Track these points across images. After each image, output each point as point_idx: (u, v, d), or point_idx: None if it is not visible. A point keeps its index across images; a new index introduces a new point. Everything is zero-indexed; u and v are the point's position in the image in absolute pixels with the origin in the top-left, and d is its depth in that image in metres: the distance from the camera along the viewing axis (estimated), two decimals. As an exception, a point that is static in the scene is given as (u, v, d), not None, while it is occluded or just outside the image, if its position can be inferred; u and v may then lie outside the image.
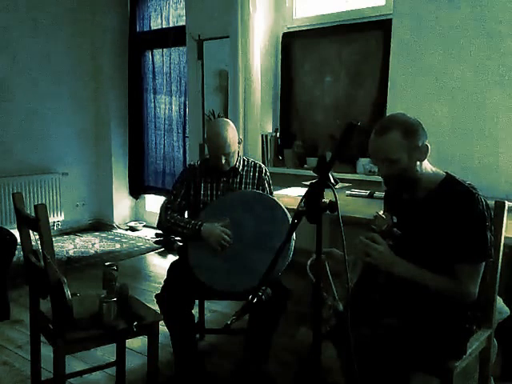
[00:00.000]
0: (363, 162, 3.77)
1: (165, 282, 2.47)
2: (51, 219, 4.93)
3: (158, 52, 5.37)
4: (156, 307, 2.33)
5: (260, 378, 2.40)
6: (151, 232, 5.35)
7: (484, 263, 1.74)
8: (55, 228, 5.22)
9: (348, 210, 2.77)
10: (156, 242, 4.99)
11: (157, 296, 2.42)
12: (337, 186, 1.39)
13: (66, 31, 5.21)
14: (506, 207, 1.93)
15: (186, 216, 2.61)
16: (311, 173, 3.33)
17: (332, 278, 1.74)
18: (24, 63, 4.91)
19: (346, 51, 4.03)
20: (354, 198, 3.21)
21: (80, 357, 2.62)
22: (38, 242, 1.98)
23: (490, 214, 1.75)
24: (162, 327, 2.21)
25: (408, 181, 1.80)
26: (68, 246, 4.90)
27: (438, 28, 3.23)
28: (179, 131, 5.27)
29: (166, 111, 5.37)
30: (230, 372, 2.58)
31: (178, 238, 4.44)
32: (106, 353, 2.71)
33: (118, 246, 4.98)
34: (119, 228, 5.61)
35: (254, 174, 2.62)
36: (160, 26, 5.28)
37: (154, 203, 5.69)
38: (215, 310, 3.36)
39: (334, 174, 1.41)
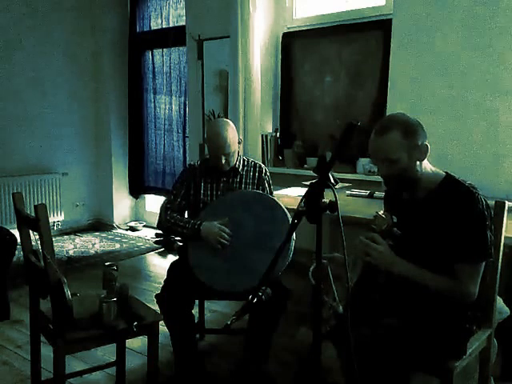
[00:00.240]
0: (363, 162, 3.77)
1: (165, 282, 2.47)
2: (51, 219, 4.93)
3: (157, 52, 5.37)
4: (156, 307, 2.33)
5: (260, 378, 2.40)
6: (151, 232, 5.35)
7: (484, 263, 1.74)
8: (55, 228, 5.22)
9: (348, 210, 2.76)
10: (156, 242, 4.99)
11: (157, 296, 2.42)
12: (337, 186, 1.39)
13: (66, 31, 5.21)
14: (506, 207, 1.93)
15: (185, 216, 2.61)
16: (311, 173, 3.32)
17: (334, 282, 1.74)
18: (24, 63, 4.91)
19: (346, 51, 4.03)
20: (354, 197, 3.21)
21: (80, 357, 2.62)
22: (38, 242, 1.98)
23: (490, 213, 1.75)
24: (162, 327, 2.21)
25: (408, 181, 1.80)
26: (68, 246, 4.90)
27: (437, 28, 3.23)
28: (179, 131, 5.27)
29: (166, 111, 5.37)
30: (229, 372, 2.58)
31: (178, 238, 4.44)
32: (106, 353, 2.71)
33: (117, 246, 4.98)
34: (119, 228, 5.61)
35: (254, 174, 2.62)
36: (160, 26, 5.28)
37: (154, 203, 5.70)
38: (215, 310, 3.36)
39: (334, 173, 1.41)
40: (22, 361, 2.70)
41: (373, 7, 3.87)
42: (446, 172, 1.84)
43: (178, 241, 4.60)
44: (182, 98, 5.18)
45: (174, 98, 5.28)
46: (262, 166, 2.67)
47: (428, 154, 1.78)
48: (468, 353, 1.81)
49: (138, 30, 5.46)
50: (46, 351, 2.25)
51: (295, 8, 4.31)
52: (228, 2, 4.12)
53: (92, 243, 5.05)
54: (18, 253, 3.03)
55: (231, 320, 1.39)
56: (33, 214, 1.96)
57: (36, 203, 1.96)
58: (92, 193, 5.67)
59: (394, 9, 3.43)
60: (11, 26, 4.78)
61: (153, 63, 5.42)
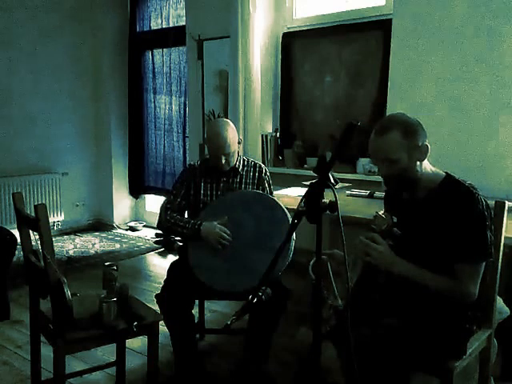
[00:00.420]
0: (363, 162, 3.77)
1: (165, 282, 2.47)
2: (51, 219, 4.93)
3: (157, 52, 5.37)
4: (156, 307, 2.33)
5: (260, 378, 2.40)
6: (151, 232, 5.35)
7: (484, 263, 1.74)
8: (55, 228, 5.22)
9: (348, 210, 2.77)
10: (156, 242, 4.99)
11: (157, 296, 2.42)
12: (337, 186, 1.39)
13: (66, 31, 5.21)
14: (506, 207, 1.93)
15: (185, 216, 2.61)
16: (311, 173, 3.32)
17: (334, 278, 1.74)
18: (24, 63, 4.91)
19: (346, 51, 4.03)
20: (354, 197, 3.21)
21: (80, 357, 2.62)
22: (38, 242, 1.98)
23: (490, 213, 1.75)
24: (162, 327, 2.21)
25: (408, 181, 1.80)
26: (68, 246, 4.90)
27: (437, 28, 3.23)
28: (179, 131, 5.27)
29: (166, 111, 5.37)
30: (229, 372, 2.59)
31: (178, 238, 4.44)
32: (106, 353, 2.71)
33: (117, 246, 4.98)
34: (119, 228, 5.61)
35: (254, 174, 2.62)
36: (160, 26, 5.28)
37: (154, 203, 5.70)
38: (215, 310, 3.36)
39: (334, 173, 1.41)
40: (22, 361, 2.70)
41: (373, 7, 3.87)
42: (445, 172, 1.84)
43: (178, 241, 4.60)
44: (182, 98, 5.18)
45: (174, 98, 5.28)
46: (262, 165, 2.67)
47: (428, 154, 1.78)
48: (468, 353, 1.81)
49: (138, 29, 5.46)
50: (46, 351, 2.25)
51: (295, 8, 4.31)
52: (228, 2, 4.12)
53: (92, 243, 5.05)
54: (18, 253, 3.02)
55: (231, 320, 1.39)
56: (33, 214, 1.96)
57: (36, 203, 1.96)
58: (92, 193, 5.67)
59: (394, 9, 3.43)
60: (11, 26, 4.78)
61: (153, 63, 5.42)
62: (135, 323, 2.00)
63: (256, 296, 1.42)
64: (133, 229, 5.57)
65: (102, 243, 5.06)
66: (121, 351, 2.40)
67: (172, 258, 4.50)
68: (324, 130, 4.16)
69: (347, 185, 3.57)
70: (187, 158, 5.09)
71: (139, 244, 5.04)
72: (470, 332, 1.84)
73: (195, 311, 2.56)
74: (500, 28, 3.01)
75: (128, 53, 5.45)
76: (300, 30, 4.26)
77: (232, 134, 2.49)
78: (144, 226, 5.65)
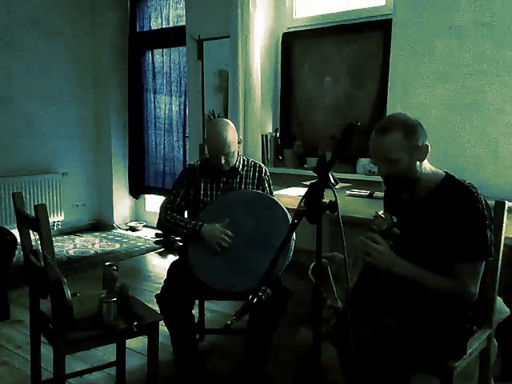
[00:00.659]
0: (363, 162, 3.77)
1: (165, 282, 2.47)
2: (51, 219, 4.93)
3: (157, 52, 5.37)
4: (156, 307, 2.33)
5: (260, 378, 2.40)
6: (151, 232, 5.35)
7: (484, 262, 1.74)
8: (55, 228, 5.23)
9: (348, 209, 2.76)
10: (156, 242, 4.99)
11: (157, 296, 2.42)
12: (337, 186, 1.39)
13: (66, 31, 5.21)
14: (506, 207, 1.93)
15: (185, 216, 2.61)
16: (311, 173, 3.32)
17: (334, 282, 1.74)
18: (24, 63, 4.91)
19: (346, 51, 4.03)
20: (354, 197, 3.21)
21: (80, 357, 2.62)
22: (38, 242, 1.98)
23: (490, 212, 1.76)
24: (162, 327, 2.21)
25: (408, 181, 1.80)
26: (68, 246, 4.90)
27: (438, 28, 3.23)
28: (179, 131, 5.27)
29: (166, 111, 5.37)
30: (229, 372, 2.59)
31: (178, 238, 4.44)
32: (106, 353, 2.71)
33: (117, 246, 4.98)
34: (119, 228, 5.61)
35: (253, 174, 2.62)
36: (160, 26, 5.28)
37: (154, 203, 5.70)
38: (215, 310, 3.36)
39: (334, 173, 1.41)
40: (22, 361, 2.70)
41: (373, 7, 3.87)
42: (445, 172, 1.84)
43: (178, 241, 4.60)
44: (182, 98, 5.18)
45: (173, 98, 5.28)
46: (262, 165, 2.67)
47: (428, 154, 1.78)
48: (468, 353, 1.81)
49: (137, 29, 5.46)
50: (46, 351, 2.25)
51: (295, 8, 4.31)
52: (228, 2, 4.12)
53: (92, 243, 5.05)
54: (18, 253, 3.03)
55: (231, 320, 1.39)
56: (33, 214, 1.96)
57: (36, 203, 1.96)
58: (92, 193, 5.67)
59: (394, 9, 3.43)
60: (11, 25, 4.78)
61: (153, 63, 5.42)
62: (135, 323, 2.00)
63: (256, 296, 1.42)
64: (133, 229, 5.57)
65: (101, 243, 5.06)
66: (121, 351, 2.40)
67: (172, 258, 4.51)
68: (324, 130, 4.16)
69: (347, 185, 3.57)
70: (187, 158, 5.08)
71: (139, 244, 5.04)
72: (470, 332, 1.84)
73: (195, 311, 2.56)
74: (500, 28, 3.01)
75: (128, 53, 5.45)
76: (300, 30, 4.26)
77: (232, 134, 2.49)
78: (144, 226, 5.65)
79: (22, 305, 3.19)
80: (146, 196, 5.81)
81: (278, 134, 4.35)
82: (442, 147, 3.16)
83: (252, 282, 1.61)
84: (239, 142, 2.57)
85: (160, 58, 5.35)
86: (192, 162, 2.70)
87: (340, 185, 3.41)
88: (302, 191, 3.25)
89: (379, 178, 1.89)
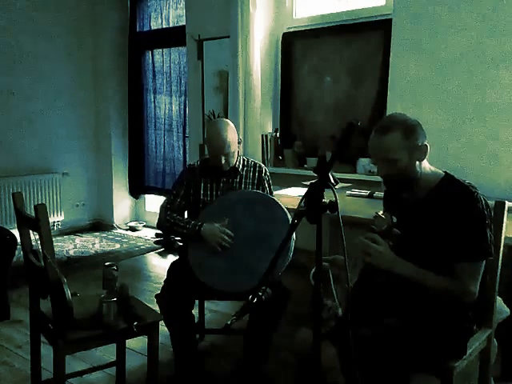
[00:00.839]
0: (363, 162, 3.77)
1: (165, 282, 2.47)
2: (51, 219, 4.93)
3: (157, 52, 5.37)
4: (156, 307, 2.33)
5: (260, 378, 2.40)
6: (151, 232, 5.35)
7: (484, 262, 1.74)
8: (55, 228, 5.22)
9: (348, 209, 2.76)
10: (156, 242, 4.99)
11: (157, 296, 2.42)
12: (337, 186, 1.40)
13: (66, 31, 5.21)
14: (506, 207, 1.93)
15: (185, 216, 2.61)
16: (311, 173, 3.33)
17: (334, 285, 1.74)
18: (24, 63, 4.91)
19: (345, 51, 4.03)
20: (354, 197, 3.21)
21: (80, 357, 2.62)
22: (38, 242, 1.98)
23: (490, 212, 1.76)
24: (162, 327, 2.21)
25: (408, 180, 1.80)
26: (68, 246, 4.90)
27: (438, 28, 3.23)
28: (179, 131, 5.27)
29: (166, 111, 5.38)
30: (230, 372, 2.59)
31: (178, 238, 4.44)
32: (106, 353, 2.71)
33: (117, 246, 4.98)
34: (119, 228, 5.61)
35: (253, 174, 2.62)
36: (160, 26, 5.28)
37: (153, 203, 5.70)
38: (215, 310, 3.36)
39: (334, 173, 1.41)
40: (22, 361, 2.70)
41: (373, 7, 3.87)
42: (445, 172, 1.84)
43: (178, 241, 4.60)
44: (182, 98, 5.18)
45: (173, 98, 5.28)
46: (262, 165, 2.67)
47: (428, 153, 1.78)
48: (468, 353, 1.81)
49: (138, 29, 5.46)
50: (46, 351, 2.25)
51: (295, 8, 4.31)
52: (228, 2, 4.12)
53: (92, 243, 5.05)
54: (18, 253, 3.02)
55: (231, 320, 1.39)
56: (33, 214, 1.96)
57: (36, 203, 1.96)
58: (92, 193, 5.67)
59: (394, 9, 3.43)
60: (11, 25, 4.78)
61: (153, 63, 5.42)
62: (135, 323, 2.00)
63: (256, 296, 1.42)
64: (133, 229, 5.57)
65: (101, 243, 5.06)
66: (121, 351, 2.40)
67: (172, 258, 4.50)
68: (324, 130, 4.16)
69: (347, 185, 3.57)
70: (187, 158, 5.08)
71: (139, 244, 5.04)
72: (470, 332, 1.84)
73: (195, 311, 2.56)
74: (501, 28, 3.01)
75: (128, 53, 5.45)
76: (300, 30, 4.26)
77: (232, 134, 2.49)
78: (144, 226, 5.65)
79: (22, 305, 3.19)
80: (146, 196, 5.81)
81: (278, 134, 4.35)
82: (441, 147, 3.16)
83: (252, 282, 1.61)
84: (239, 142, 2.57)
85: (160, 58, 5.35)
86: (192, 162, 2.70)
87: (340, 185, 3.41)
88: (302, 191, 3.25)
89: (379, 178, 1.90)
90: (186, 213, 2.63)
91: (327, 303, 1.70)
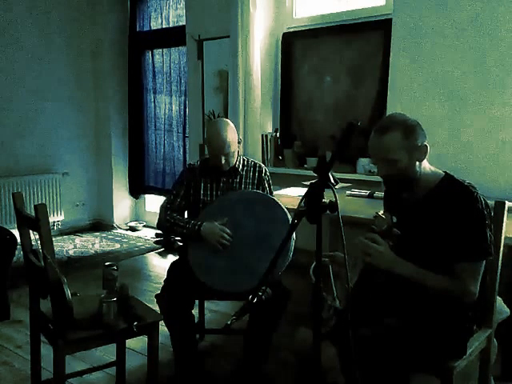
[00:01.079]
0: (363, 162, 3.77)
1: (165, 281, 2.47)
2: (51, 219, 4.93)
3: (157, 52, 5.37)
4: (156, 307, 2.33)
5: (260, 378, 2.40)
6: (151, 232, 5.35)
7: (484, 262, 1.74)
8: (55, 228, 5.22)
9: (348, 209, 2.76)
10: (156, 242, 4.99)
11: (157, 296, 2.42)
12: (337, 186, 1.40)
13: (65, 31, 5.21)
14: (506, 207, 1.93)
15: (185, 216, 2.61)
16: (311, 173, 3.33)
17: (334, 281, 1.74)
18: (24, 63, 4.91)
19: (346, 51, 4.03)
20: (354, 197, 3.21)
21: (80, 357, 2.62)
22: (38, 242, 1.98)
23: (490, 212, 1.76)
24: (162, 327, 2.21)
25: (407, 180, 1.80)
26: (68, 246, 4.90)
27: (438, 28, 3.23)
28: (179, 131, 5.27)
29: (166, 111, 5.38)
30: (230, 372, 2.59)
31: (178, 238, 4.44)
32: (106, 353, 2.71)
33: (117, 246, 4.98)
34: (119, 228, 5.61)
35: (253, 174, 2.62)
36: (160, 26, 5.28)
37: (153, 203, 5.70)
38: (215, 310, 3.36)
39: (334, 173, 1.41)
40: (22, 361, 2.70)
41: (373, 7, 3.87)
42: (445, 172, 1.84)
43: (178, 241, 4.60)
44: (182, 98, 5.18)
45: (173, 97, 5.28)
46: (262, 165, 2.67)
47: (427, 154, 1.78)
48: (468, 353, 1.81)
49: (137, 29, 5.46)
50: (46, 351, 2.25)
51: (295, 8, 4.31)
52: (228, 2, 4.12)
53: (92, 243, 5.05)
54: (18, 253, 3.03)
55: (231, 320, 1.39)
56: (33, 214, 1.96)
57: (36, 203, 1.96)
58: (92, 193, 5.67)
59: (394, 9, 3.43)
60: (11, 25, 4.78)
61: (153, 63, 5.42)
62: (135, 323, 2.00)
63: (256, 296, 1.42)
64: (133, 229, 5.57)
65: (101, 243, 5.06)
66: (121, 351, 2.40)
67: (172, 258, 4.50)
68: (324, 130, 4.16)
69: (347, 185, 3.57)
70: (187, 158, 5.08)
71: (139, 244, 5.03)
72: (470, 332, 1.84)
73: (195, 311, 2.56)
74: (500, 27, 3.01)
75: (128, 53, 5.45)
76: (300, 30, 4.26)
77: (232, 134, 2.49)
78: (144, 226, 5.65)
79: (22, 305, 3.19)
80: (146, 196, 5.81)
81: (278, 134, 4.35)
82: (442, 147, 3.16)
83: (252, 281, 1.61)
84: (239, 142, 2.57)
85: (160, 58, 5.35)
86: (192, 162, 2.70)
87: (340, 185, 3.41)
88: (302, 191, 3.25)
89: (379, 178, 1.90)
90: (186, 213, 2.63)
91: (327, 299, 1.70)
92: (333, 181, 1.39)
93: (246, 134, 4.12)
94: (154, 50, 5.39)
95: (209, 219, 2.42)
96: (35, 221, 1.93)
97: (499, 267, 1.95)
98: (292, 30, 4.31)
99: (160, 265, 4.44)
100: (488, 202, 1.76)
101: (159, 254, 4.78)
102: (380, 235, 1.75)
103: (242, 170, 2.61)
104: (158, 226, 2.63)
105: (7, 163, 4.85)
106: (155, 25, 5.33)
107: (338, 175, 3.32)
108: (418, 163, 1.78)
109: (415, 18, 3.31)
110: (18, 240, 2.37)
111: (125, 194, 5.72)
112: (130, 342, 2.39)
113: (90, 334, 1.96)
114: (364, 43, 3.92)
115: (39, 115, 5.09)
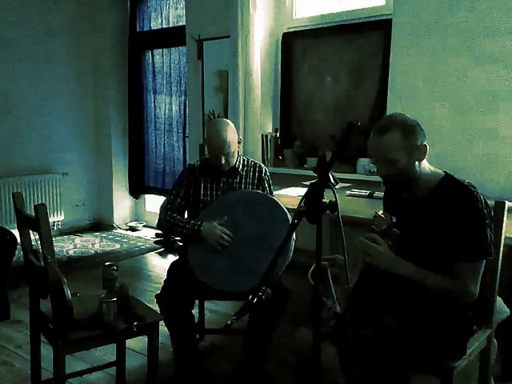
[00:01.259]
0: (363, 162, 3.77)
1: (165, 282, 2.47)
2: (51, 219, 4.93)
3: (157, 52, 5.37)
4: (156, 307, 2.33)
5: (260, 378, 2.40)
6: (151, 232, 5.35)
7: (484, 262, 1.74)
8: (55, 228, 5.22)
9: (348, 209, 2.76)
10: (156, 242, 4.99)
11: (157, 296, 2.42)
12: (337, 186, 1.40)
13: (66, 31, 5.21)
14: (506, 207, 1.93)
15: (185, 216, 2.61)
16: (311, 173, 3.33)
17: (333, 284, 1.74)
18: (24, 63, 4.91)
19: (346, 51, 4.03)
20: (354, 197, 3.21)
21: (80, 357, 2.62)
22: (38, 242, 1.98)
23: (490, 211, 1.76)
24: (162, 327, 2.21)
25: (407, 180, 1.80)
26: (68, 246, 4.90)
27: (438, 28, 3.23)
28: (179, 131, 5.27)
29: (166, 111, 5.38)
30: (230, 372, 2.59)
31: (178, 238, 4.44)
32: (106, 353, 2.71)
33: (117, 246, 4.98)
34: (119, 228, 5.61)
35: (253, 174, 2.62)
36: (160, 26, 5.29)
37: (153, 203, 5.70)
38: (215, 310, 3.36)
39: (334, 173, 1.41)
40: (22, 361, 2.70)
41: (373, 7, 3.87)
42: (444, 172, 1.84)
43: (178, 241, 4.60)
44: (182, 98, 5.18)
45: (173, 97, 5.28)
46: (262, 165, 2.67)
47: (427, 154, 1.78)
48: (468, 353, 1.81)
49: (138, 29, 5.46)
50: (46, 351, 2.25)
51: (295, 8, 4.31)
52: (228, 3, 4.12)
53: (92, 243, 5.05)
54: (18, 253, 3.03)
55: (231, 320, 1.39)
56: (33, 214, 1.96)
57: (36, 203, 1.96)
58: (92, 193, 5.67)
59: (394, 9, 3.43)
60: (11, 25, 4.78)
61: (153, 63, 5.42)
62: (135, 323, 2.00)
63: (256, 296, 1.42)
64: (133, 229, 5.57)
65: (102, 243, 5.06)
66: (121, 351, 2.40)
67: (172, 258, 4.50)
68: (324, 130, 4.16)
69: (347, 185, 3.57)
70: (187, 158, 5.08)
71: (139, 244, 5.03)
72: (470, 332, 1.84)
73: (195, 311, 2.56)
74: (500, 27, 3.01)
75: (128, 53, 5.45)
76: (300, 30, 4.26)
77: (232, 134, 2.49)
78: (144, 226, 5.65)
79: (22, 305, 3.19)
80: (146, 196, 5.81)
81: (278, 134, 4.35)
82: (441, 147, 3.16)
83: (252, 282, 1.61)
84: (239, 142, 2.57)
85: (160, 58, 5.35)
86: (192, 162, 2.70)
87: (340, 185, 3.41)
88: (302, 191, 3.25)
89: (379, 178, 1.90)
90: (186, 213, 2.63)
91: (327, 303, 1.70)
92: (333, 181, 1.39)
93: (246, 134, 4.12)
94: (154, 50, 5.39)
95: (209, 219, 2.42)
96: (35, 221, 1.93)
97: (499, 267, 1.95)
98: (292, 30, 4.31)
99: (160, 265, 4.44)
100: (488, 201, 1.76)
101: (159, 254, 4.78)
102: (380, 235, 1.75)
103: (242, 170, 2.61)
104: (158, 226, 2.63)
105: (7, 163, 4.85)
106: (155, 25, 5.33)
107: (338, 175, 3.32)
108: (417, 163, 1.78)
109: (415, 18, 3.31)
110: (18, 240, 2.37)
111: (125, 194, 5.72)
112: (130, 342, 2.39)
113: (90, 333, 1.96)
114: (364, 43, 3.92)
115: (39, 115, 5.08)
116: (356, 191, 3.27)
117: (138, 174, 5.65)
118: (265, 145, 4.24)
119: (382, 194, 2.20)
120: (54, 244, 2.04)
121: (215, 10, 4.41)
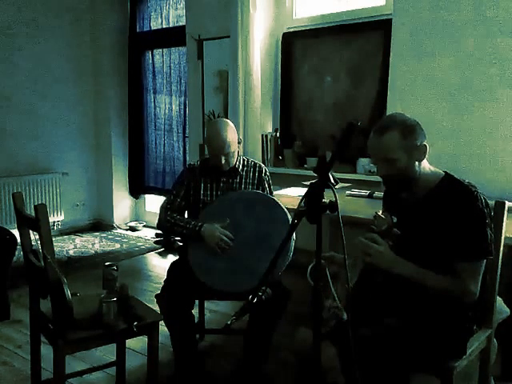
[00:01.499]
0: (363, 162, 3.77)
1: (165, 282, 2.47)
2: (51, 219, 4.93)
3: (157, 52, 5.37)
4: (156, 307, 2.33)
5: (260, 378, 2.40)
6: (151, 232, 5.35)
7: (484, 261, 1.74)
8: (55, 228, 5.22)
9: (348, 209, 2.76)
10: (156, 242, 4.99)
11: (157, 296, 2.42)
12: (337, 186, 1.40)
13: (66, 31, 5.21)
14: (506, 207, 1.93)
15: (186, 216, 2.61)
16: (311, 173, 3.33)
17: (332, 282, 1.74)
18: (24, 63, 4.91)
19: (346, 51, 4.03)
20: (354, 197, 3.21)
21: (80, 357, 2.62)
22: (38, 242, 1.98)
23: (490, 211, 1.76)
24: (162, 327, 2.21)
25: (407, 180, 1.80)
26: (68, 246, 4.90)
27: (438, 28, 3.23)
28: (179, 131, 5.27)
29: (166, 111, 5.38)
30: (230, 372, 2.59)
31: (178, 238, 4.44)
32: (106, 353, 2.71)
33: (117, 246, 4.98)
34: (119, 228, 5.61)
35: (253, 174, 2.62)
36: (160, 26, 5.29)
37: (153, 203, 5.70)
38: (215, 310, 3.36)
39: (334, 173, 1.41)
40: (22, 361, 2.70)
41: (373, 7, 3.87)
42: (445, 171, 1.84)
43: (178, 241, 4.60)
44: (182, 98, 5.18)
45: (173, 97, 5.28)
46: (262, 165, 2.67)
47: (427, 154, 1.78)
48: (468, 353, 1.81)
49: (138, 29, 5.46)
50: (46, 351, 2.25)
51: (295, 8, 4.31)
52: (228, 2, 4.12)
53: (92, 243, 5.05)
54: (18, 253, 3.03)
55: (231, 320, 1.39)
56: (33, 214, 1.96)
57: (36, 203, 1.96)
58: (92, 193, 5.67)
59: (394, 9, 3.43)
60: (11, 25, 4.78)
61: (153, 63, 5.42)
62: (135, 323, 2.00)
63: (256, 296, 1.42)
64: (133, 229, 5.57)
65: (102, 243, 5.06)
66: (121, 351, 2.40)
67: (172, 258, 4.50)
68: (324, 130, 4.16)
69: (347, 185, 3.57)
70: (187, 158, 5.09)
71: (139, 244, 5.04)
72: (470, 332, 1.84)
73: (195, 311, 2.56)
74: (499, 27, 3.01)
75: (128, 53, 5.45)
76: (300, 30, 4.26)
77: (232, 134, 2.49)
78: (144, 226, 5.65)
79: (22, 305, 3.19)
80: (146, 196, 5.81)
81: (278, 134, 4.35)
82: (441, 147, 3.16)
83: (252, 282, 1.61)
84: (239, 142, 2.57)
85: (160, 58, 5.35)
86: (192, 162, 2.70)
87: (340, 185, 3.41)
88: (302, 191, 3.25)
89: (379, 178, 1.90)
90: (186, 213, 2.63)
91: (327, 303, 1.70)
92: (333, 181, 1.39)
93: (246, 134, 4.12)
94: (154, 50, 5.39)
95: (209, 219, 2.42)
96: (35, 221, 1.93)
97: (499, 267, 1.95)
98: (292, 30, 4.31)
99: (160, 265, 4.44)
100: (488, 201, 1.76)
101: (159, 254, 4.78)
102: (380, 235, 1.75)
103: (242, 170, 2.61)
104: (158, 226, 2.63)
105: (7, 163, 4.85)
106: (155, 25, 5.33)
107: (338, 175, 3.32)
108: (417, 163, 1.78)
109: (415, 18, 3.31)
110: (18, 240, 2.37)
111: (125, 194, 5.72)
112: (130, 342, 2.39)
113: (90, 333, 1.96)
114: (364, 43, 3.92)
115: (39, 115, 5.08)
116: (356, 191, 3.27)
117: (137, 174, 5.65)
118: (265, 145, 4.24)
119: (381, 194, 2.20)
120: (54, 244, 2.04)
121: (215, 10, 4.41)
